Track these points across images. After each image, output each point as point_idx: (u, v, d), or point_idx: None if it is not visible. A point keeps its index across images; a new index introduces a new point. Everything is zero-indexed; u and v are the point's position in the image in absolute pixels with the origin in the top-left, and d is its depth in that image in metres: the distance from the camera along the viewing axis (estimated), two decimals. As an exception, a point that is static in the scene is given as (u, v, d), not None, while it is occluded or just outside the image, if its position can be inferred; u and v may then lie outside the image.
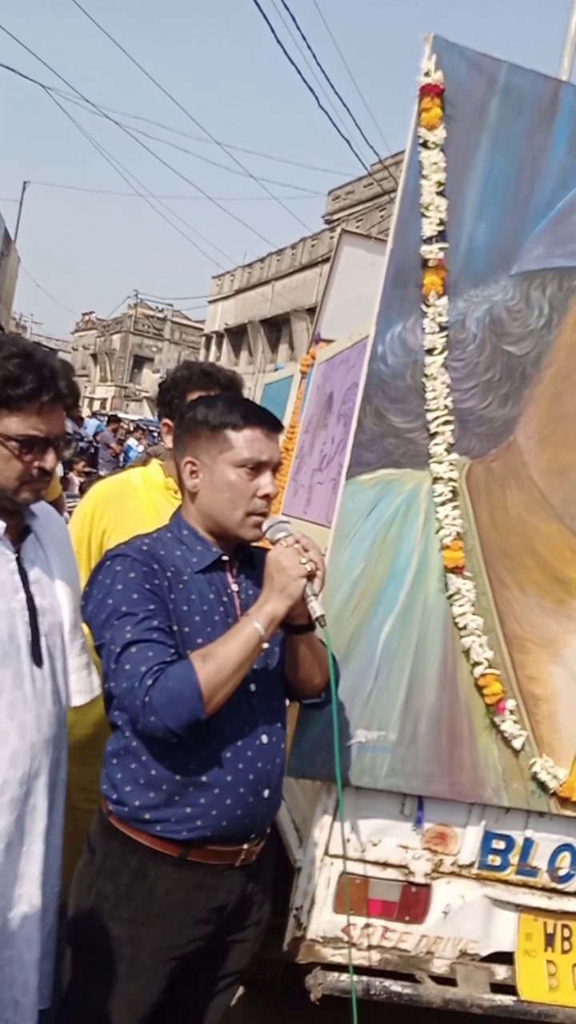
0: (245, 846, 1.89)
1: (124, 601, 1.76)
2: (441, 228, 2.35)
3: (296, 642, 1.87)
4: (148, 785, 1.82)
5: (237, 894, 1.93)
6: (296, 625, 1.85)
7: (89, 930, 1.86)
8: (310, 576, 1.75)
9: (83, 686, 1.93)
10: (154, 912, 1.85)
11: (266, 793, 1.88)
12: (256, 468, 1.88)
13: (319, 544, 2.56)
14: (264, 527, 1.87)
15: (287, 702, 2.05)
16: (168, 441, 2.55)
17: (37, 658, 1.78)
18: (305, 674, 1.93)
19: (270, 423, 1.92)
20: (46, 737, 1.79)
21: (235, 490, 1.87)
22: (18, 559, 1.80)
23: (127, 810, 1.83)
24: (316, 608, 1.75)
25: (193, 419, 1.91)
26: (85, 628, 1.94)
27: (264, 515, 1.89)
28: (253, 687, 1.89)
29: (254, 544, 1.99)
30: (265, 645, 1.76)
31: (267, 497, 1.88)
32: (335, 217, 27.17)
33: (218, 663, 1.70)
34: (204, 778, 1.81)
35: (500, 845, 2.55)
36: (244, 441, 1.87)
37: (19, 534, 1.83)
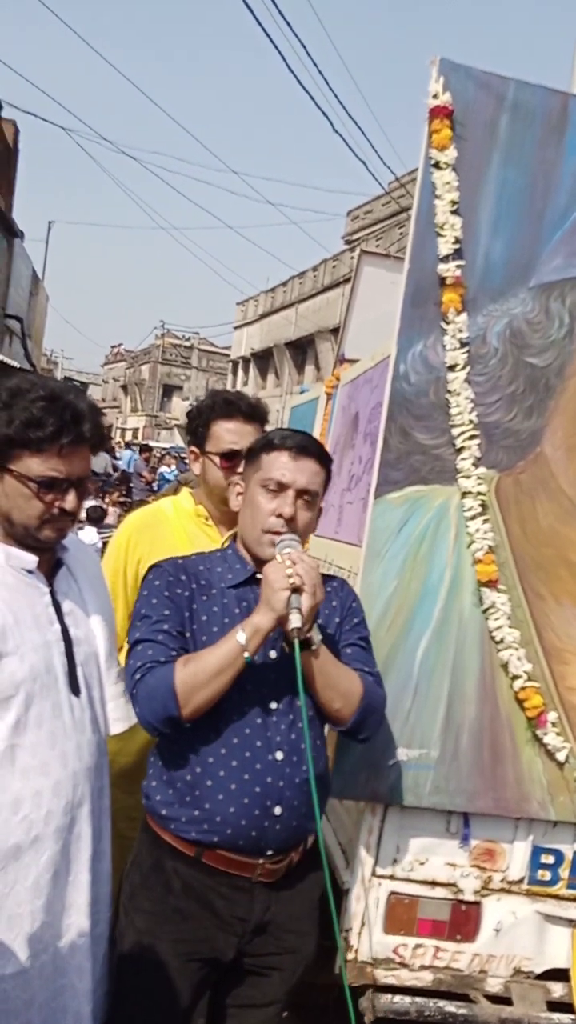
0: (261, 860, 1.91)
1: (144, 605, 1.94)
2: (457, 246, 2.38)
3: (305, 661, 1.86)
4: (167, 783, 1.93)
5: (260, 910, 1.94)
6: (301, 642, 1.83)
7: (121, 921, 1.97)
8: (296, 590, 1.77)
9: (121, 714, 1.96)
10: (171, 907, 1.92)
11: (277, 810, 1.88)
12: (278, 488, 1.94)
13: (351, 563, 2.57)
14: (276, 545, 1.90)
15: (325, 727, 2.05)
16: (196, 468, 2.60)
17: (74, 688, 1.82)
18: (323, 698, 1.92)
19: (299, 448, 1.96)
20: (88, 765, 1.82)
21: (256, 508, 1.96)
22: (52, 592, 1.84)
23: (150, 803, 1.95)
24: (293, 620, 1.76)
25: (250, 448, 2.06)
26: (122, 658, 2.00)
27: (279, 535, 1.92)
28: (275, 704, 1.92)
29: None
30: (247, 655, 1.79)
31: (283, 517, 1.92)
32: (355, 237, 27.32)
33: (196, 667, 1.80)
34: (209, 782, 1.87)
35: (549, 860, 2.52)
36: (269, 462, 1.96)
37: (51, 567, 1.87)
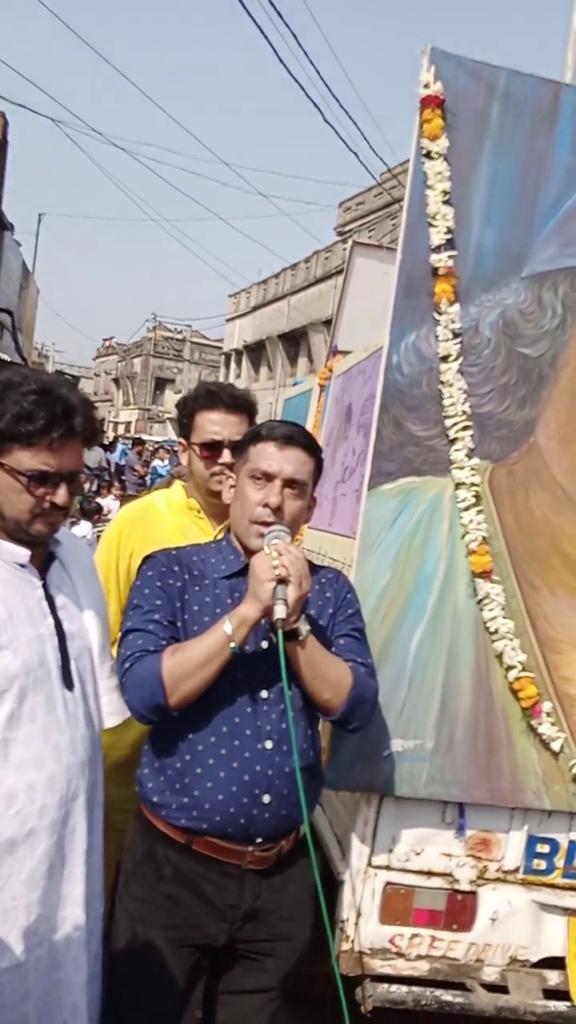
0: (250, 848, 1.92)
1: (137, 595, 1.96)
2: (449, 236, 2.37)
3: (292, 652, 1.86)
4: (158, 770, 1.95)
5: (251, 897, 1.96)
6: (287, 632, 1.83)
7: (112, 907, 1.99)
8: (282, 581, 1.78)
9: (115, 708, 1.97)
10: (162, 893, 1.93)
11: (266, 798, 1.89)
12: (265, 478, 1.94)
13: (345, 555, 2.58)
14: (264, 536, 1.90)
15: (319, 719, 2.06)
16: (185, 459, 2.60)
17: (68, 682, 1.82)
18: (312, 688, 1.92)
19: (285, 438, 1.96)
20: (81, 759, 1.83)
21: (243, 498, 1.97)
22: (44, 585, 1.84)
23: (143, 791, 1.97)
24: (278, 611, 1.77)
25: (240, 441, 2.07)
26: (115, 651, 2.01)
27: (267, 525, 1.93)
28: (265, 693, 1.93)
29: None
30: (232, 645, 1.80)
31: (269, 507, 1.92)
32: (347, 228, 27.26)
33: (183, 657, 1.82)
34: (199, 770, 1.89)
35: (545, 849, 2.53)
36: (256, 453, 1.97)
37: (44, 561, 1.87)
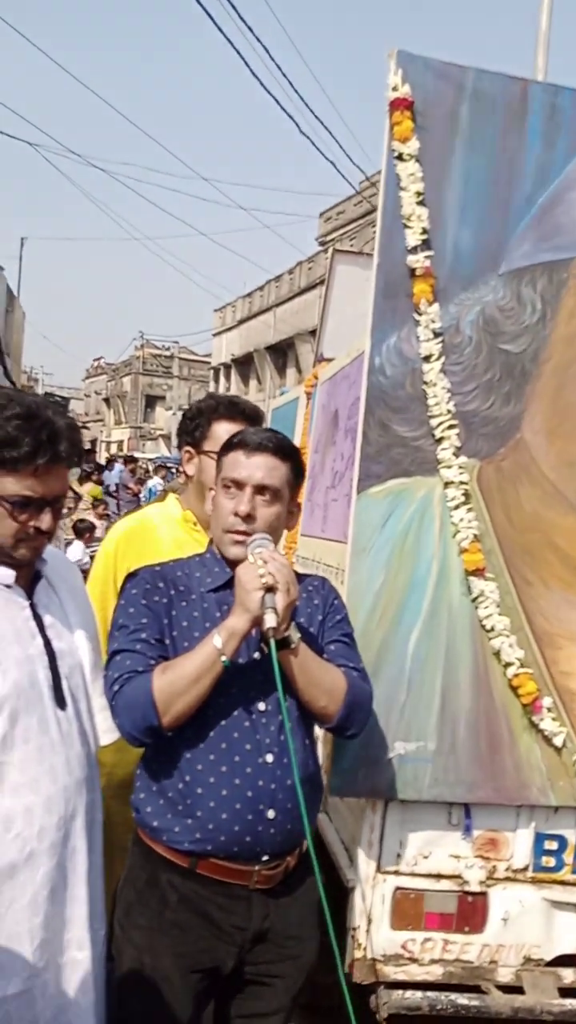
0: (256, 867, 1.88)
1: (122, 614, 1.91)
2: (425, 237, 2.38)
3: (285, 660, 1.83)
4: (157, 793, 1.90)
5: (259, 918, 1.91)
6: (278, 641, 1.80)
7: (115, 939, 1.92)
8: (270, 589, 1.75)
9: (110, 725, 1.93)
10: (168, 921, 1.88)
11: (270, 814, 1.85)
12: (235, 486, 1.92)
13: (338, 560, 2.56)
14: (248, 545, 1.88)
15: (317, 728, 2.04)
16: (190, 469, 2.58)
17: (60, 701, 1.80)
18: (308, 696, 1.89)
19: (254, 445, 1.94)
20: (77, 779, 1.80)
21: (218, 508, 1.96)
22: (32, 605, 1.82)
23: (140, 816, 1.92)
24: (268, 620, 1.74)
25: (217, 453, 2.05)
26: None
27: (240, 533, 1.90)
28: (262, 706, 1.89)
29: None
30: (224, 659, 1.77)
31: (239, 515, 1.90)
32: (329, 238, 27.36)
33: (174, 675, 1.78)
34: (200, 790, 1.84)
35: (553, 845, 2.52)
36: (227, 462, 1.96)
37: (30, 581, 1.85)
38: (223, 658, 1.77)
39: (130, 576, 1.98)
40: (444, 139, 2.41)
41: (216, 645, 1.77)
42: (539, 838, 2.51)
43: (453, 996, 2.40)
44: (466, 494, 2.40)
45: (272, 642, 1.75)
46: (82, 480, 13.97)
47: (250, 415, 2.55)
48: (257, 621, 1.76)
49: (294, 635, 1.83)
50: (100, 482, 15.62)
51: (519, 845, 2.50)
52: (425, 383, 2.39)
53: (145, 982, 1.87)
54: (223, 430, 2.50)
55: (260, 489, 1.92)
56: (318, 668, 1.90)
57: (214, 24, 8.90)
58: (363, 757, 2.35)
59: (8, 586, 1.78)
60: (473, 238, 2.43)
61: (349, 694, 1.91)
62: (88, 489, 13.67)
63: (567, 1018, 2.42)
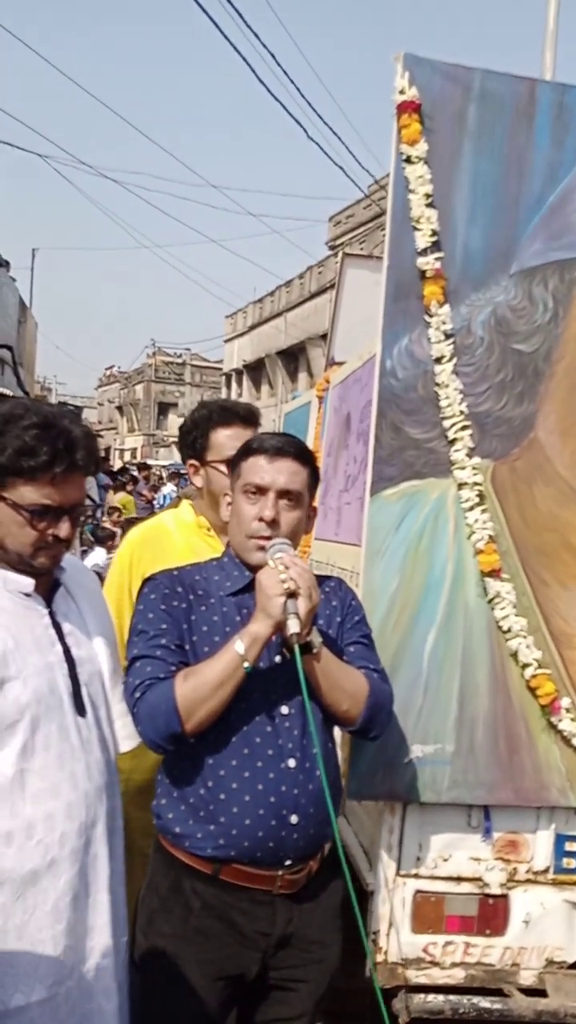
0: (280, 872, 1.88)
1: (141, 620, 1.91)
2: (435, 239, 2.37)
3: (307, 665, 1.83)
4: (178, 799, 1.89)
5: (283, 923, 1.90)
6: (301, 646, 1.80)
7: (138, 946, 1.92)
8: (292, 595, 1.75)
9: (130, 731, 1.94)
10: (192, 928, 1.87)
11: (293, 819, 1.84)
12: (258, 492, 1.92)
13: (353, 564, 2.56)
14: (268, 550, 1.88)
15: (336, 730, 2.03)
16: (197, 481, 2.59)
17: (80, 708, 1.80)
18: (330, 700, 1.89)
19: (276, 450, 1.94)
20: (98, 785, 1.80)
21: (239, 514, 1.95)
22: (51, 613, 1.83)
23: (162, 823, 1.92)
24: (291, 625, 1.74)
25: (233, 458, 2.04)
26: None
27: (264, 538, 1.90)
28: (284, 710, 1.89)
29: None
30: (246, 665, 1.77)
31: (263, 520, 1.90)
32: (338, 242, 27.37)
33: (197, 681, 1.78)
34: (223, 796, 1.83)
35: (574, 847, 2.50)
36: (248, 467, 1.95)
37: (49, 589, 1.86)
38: (245, 664, 1.77)
39: (148, 581, 1.99)
40: (452, 141, 2.41)
41: (238, 651, 1.77)
42: (560, 839, 2.49)
43: (475, 999, 2.39)
44: (480, 495, 2.39)
45: (296, 648, 1.74)
46: (116, 489, 14.02)
47: (245, 416, 2.54)
48: (279, 626, 1.77)
49: (316, 639, 1.83)
50: (132, 492, 15.65)
51: (539, 847, 2.48)
52: (437, 385, 2.39)
53: (170, 990, 1.87)
54: (222, 437, 2.50)
55: (283, 494, 1.92)
56: (340, 671, 1.90)
57: (217, 28, 8.94)
58: (381, 760, 2.35)
59: (27, 594, 1.79)
60: (483, 239, 2.42)
61: (371, 696, 1.92)
62: (119, 499, 13.70)
63: (591, 1021, 2.40)
